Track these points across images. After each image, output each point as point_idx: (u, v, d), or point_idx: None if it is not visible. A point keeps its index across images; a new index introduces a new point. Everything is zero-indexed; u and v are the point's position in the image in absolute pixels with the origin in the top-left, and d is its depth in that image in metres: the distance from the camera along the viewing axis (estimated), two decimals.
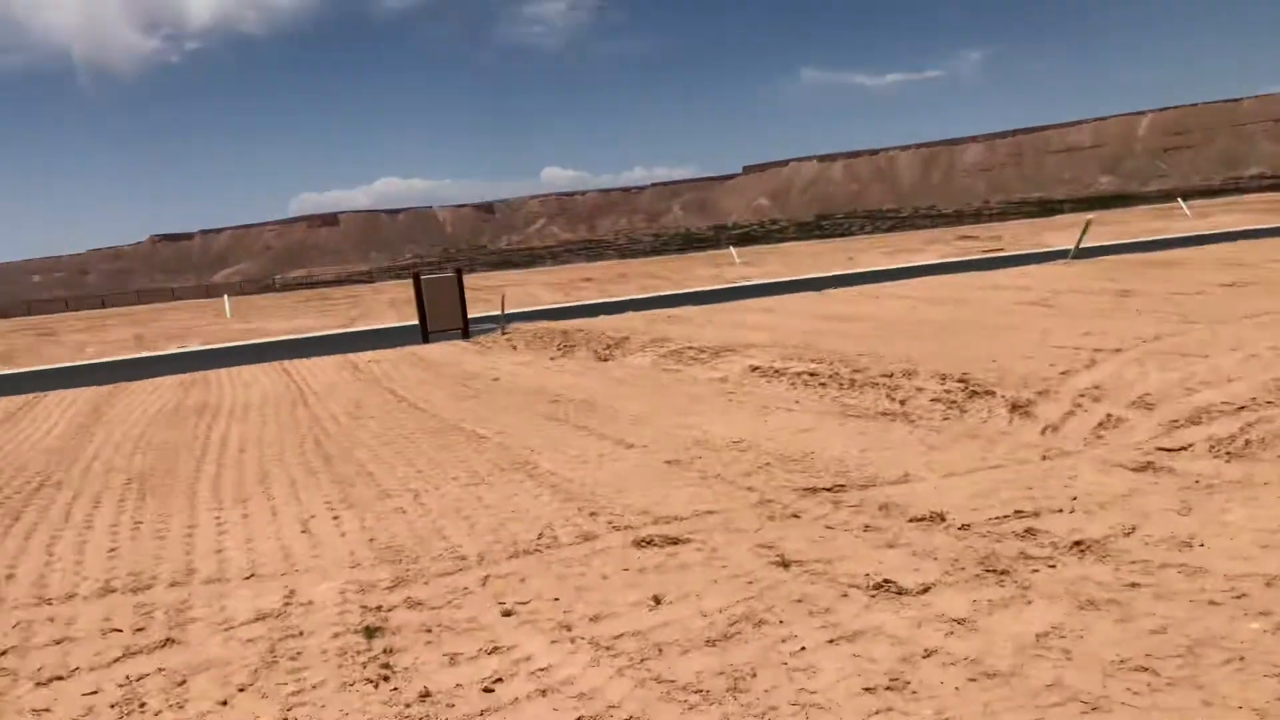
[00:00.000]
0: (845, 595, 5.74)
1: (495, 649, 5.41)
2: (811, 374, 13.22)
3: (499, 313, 25.92)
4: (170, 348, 34.54)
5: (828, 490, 7.98)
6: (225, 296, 57.79)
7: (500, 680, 5.03)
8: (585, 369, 16.62)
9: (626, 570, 6.48)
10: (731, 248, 68.02)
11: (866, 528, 6.93)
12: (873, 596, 5.69)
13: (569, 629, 5.60)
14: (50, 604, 6.87)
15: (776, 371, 13.81)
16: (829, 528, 7.03)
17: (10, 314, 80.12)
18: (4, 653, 6.00)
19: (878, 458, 8.88)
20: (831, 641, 5.17)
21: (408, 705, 4.82)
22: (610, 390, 14.08)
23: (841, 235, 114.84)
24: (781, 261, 52.02)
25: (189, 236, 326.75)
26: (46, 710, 5.15)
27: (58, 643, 6.11)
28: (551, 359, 18.43)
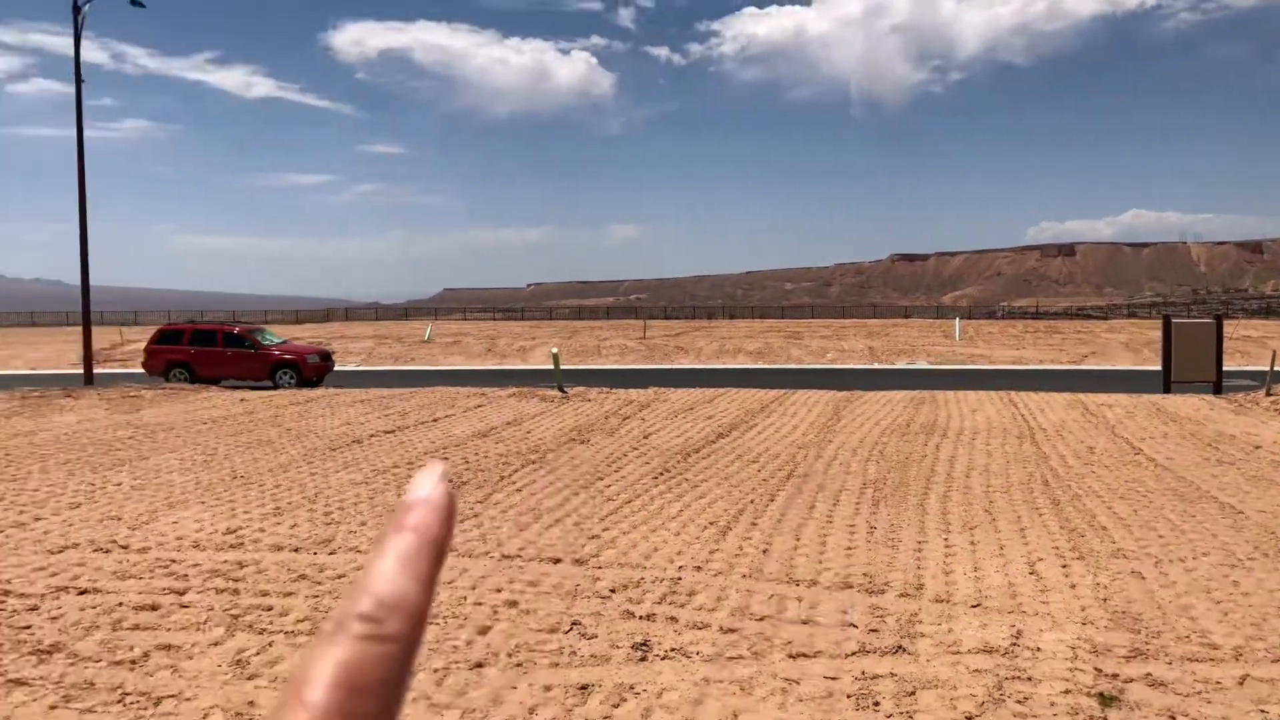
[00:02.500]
0: None
1: None
2: None
3: (1267, 369, 22.63)
4: (899, 362, 36.69)
5: None
6: (956, 319, 59.52)
7: None
8: None
9: None
10: None
11: None
12: None
13: None
14: (797, 585, 7.74)
15: None
16: None
17: (767, 316, 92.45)
18: (762, 619, 6.92)
19: None
20: None
21: None
22: None
23: None
24: None
25: (924, 258, 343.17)
26: (794, 682, 5.80)
27: (804, 623, 6.86)
28: None
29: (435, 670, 5.96)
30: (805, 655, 6.21)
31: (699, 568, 8.16)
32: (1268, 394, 20.44)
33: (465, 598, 7.37)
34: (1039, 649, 6.22)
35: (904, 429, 16.31)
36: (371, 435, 15.93)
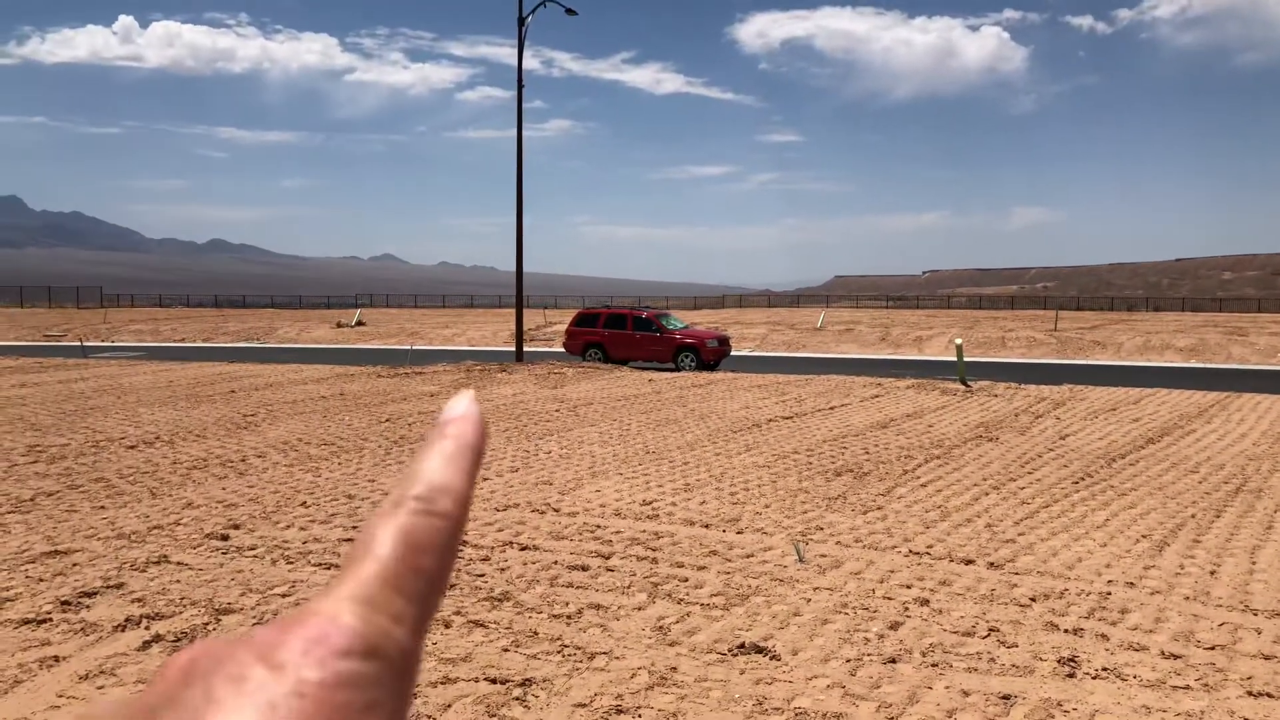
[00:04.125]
0: None
1: None
2: None
3: None
4: None
5: None
6: None
7: None
8: None
9: None
10: None
11: None
12: None
13: None
14: (1255, 615, 6.82)
15: None
16: None
17: (1200, 309, 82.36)
18: (1213, 648, 6.16)
19: None
20: None
21: None
22: None
23: None
24: None
25: None
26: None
27: (1265, 658, 6.02)
28: None
29: (847, 660, 5.96)
30: (1270, 695, 5.45)
31: (1131, 584, 7.45)
32: None
33: (874, 590, 7.30)
34: None
35: None
36: (769, 420, 16.28)
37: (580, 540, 8.67)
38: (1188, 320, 56.30)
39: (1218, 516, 9.64)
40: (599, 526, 9.12)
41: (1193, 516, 9.63)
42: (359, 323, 56.83)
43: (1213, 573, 7.74)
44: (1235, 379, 26.16)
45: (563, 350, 30.67)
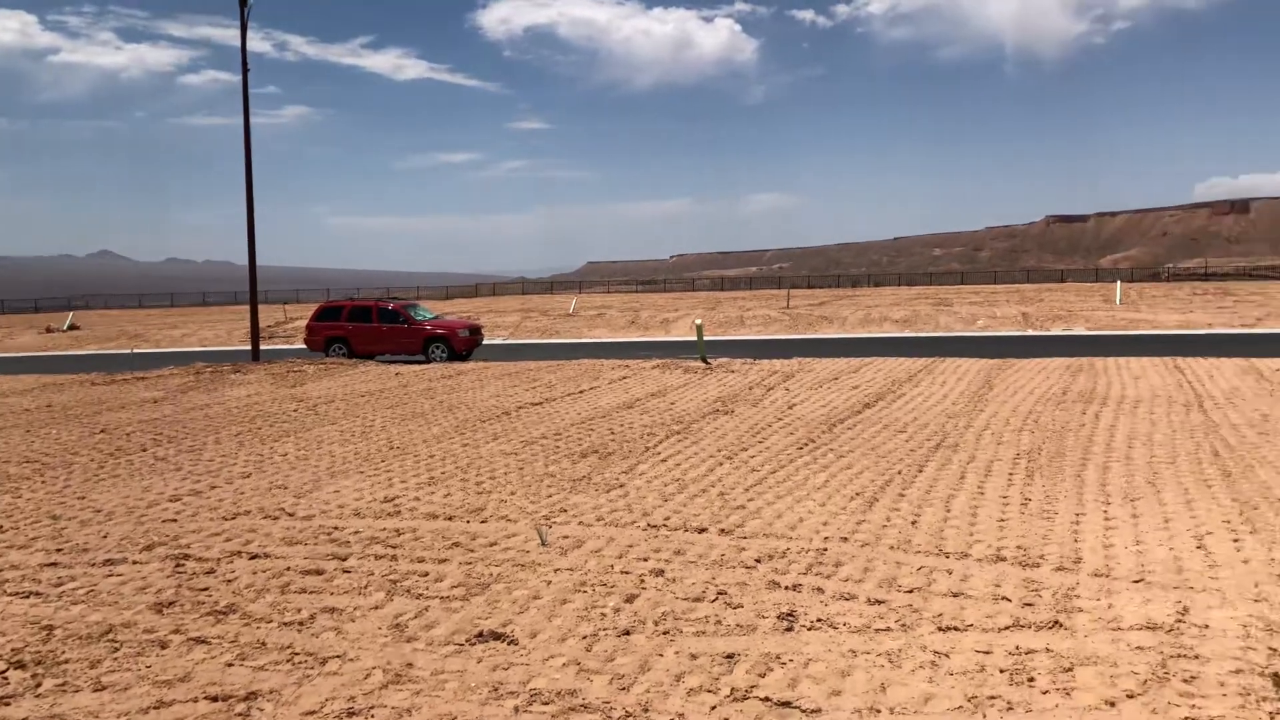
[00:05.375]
0: None
1: None
2: None
3: None
4: (1055, 328, 35.17)
5: None
6: (1118, 283, 56.60)
7: None
8: None
9: None
10: None
11: None
12: None
13: None
14: (947, 557, 7.58)
15: None
16: None
17: (914, 283, 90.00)
18: (911, 591, 6.81)
19: None
20: None
21: None
22: None
23: None
24: None
25: (1083, 219, 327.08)
26: (944, 655, 5.69)
27: (954, 595, 6.71)
28: None
29: (584, 637, 6.12)
30: (956, 629, 6.09)
31: (845, 539, 8.09)
32: None
33: (613, 566, 7.52)
34: (1207, 626, 5.91)
35: (1060, 397, 15.67)
36: (519, 407, 16.36)
37: (315, 544, 8.39)
38: (903, 294, 61.40)
39: (920, 471, 10.62)
40: (336, 528, 8.86)
41: (899, 473, 10.55)
42: (72, 326, 52.03)
43: (914, 523, 8.52)
44: (942, 345, 28.80)
45: (304, 347, 29.41)
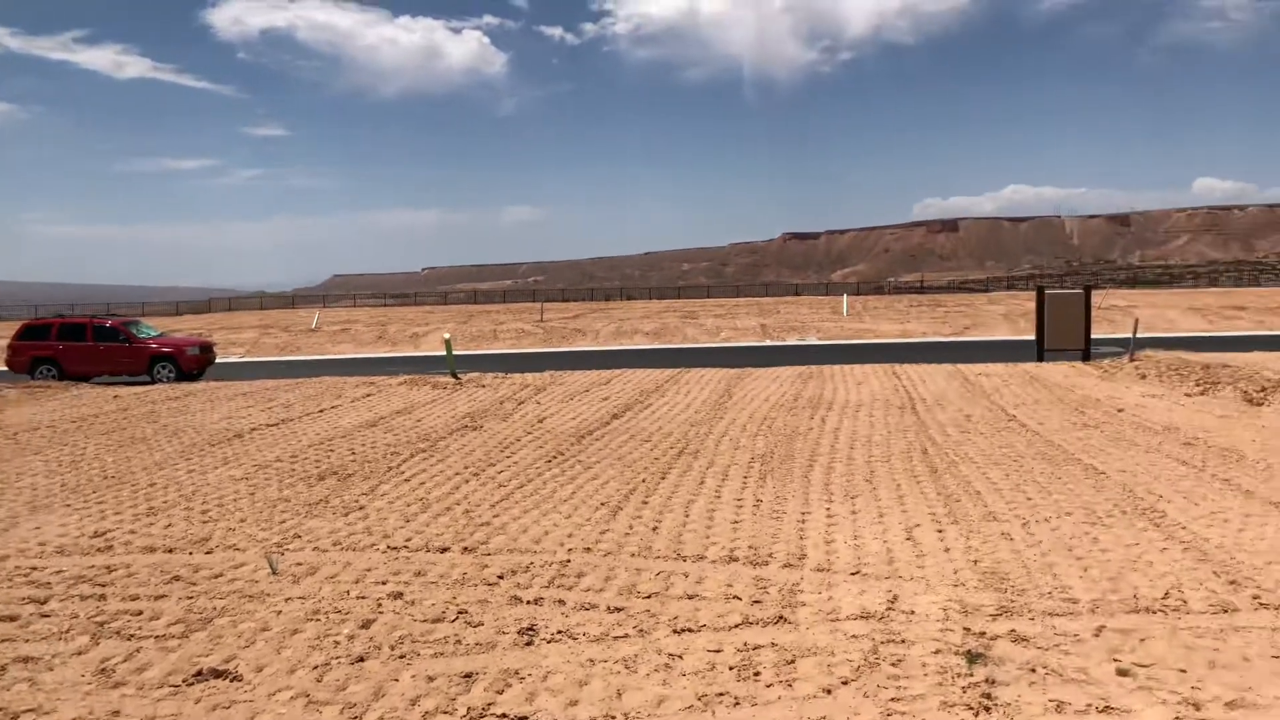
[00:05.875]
0: None
1: (1108, 708, 4.98)
2: None
3: (1130, 336, 23.78)
4: (790, 339, 37.36)
5: None
6: (844, 296, 60.86)
7: None
8: (1231, 411, 14.56)
9: (1276, 658, 5.55)
10: None
11: None
12: None
13: (1198, 708, 4.96)
14: (684, 560, 7.83)
15: None
16: None
17: (664, 296, 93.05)
18: (649, 596, 6.97)
19: None
20: None
21: None
22: (1264, 440, 12.16)
23: None
24: None
25: (815, 236, 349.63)
26: (678, 656, 5.87)
27: (689, 598, 6.93)
28: (1187, 395, 16.45)
29: (315, 667, 5.84)
30: (690, 630, 6.29)
31: (588, 549, 8.18)
32: (1131, 359, 21.49)
33: (349, 591, 7.24)
34: (913, 612, 6.42)
35: (792, 404, 16.62)
36: (253, 429, 15.48)
37: (10, 587, 7.55)
38: (653, 307, 63.26)
39: (663, 478, 10.93)
40: (35, 569, 8.01)
41: (644, 481, 10.81)
42: None
43: (655, 529, 8.75)
44: (688, 356, 29.89)
45: (5, 369, 26.52)
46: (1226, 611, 6.32)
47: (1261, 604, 6.42)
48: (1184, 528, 8.28)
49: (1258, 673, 5.37)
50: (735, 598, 6.86)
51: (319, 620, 6.64)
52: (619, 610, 6.69)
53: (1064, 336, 23.36)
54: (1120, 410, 14.90)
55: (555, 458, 12.40)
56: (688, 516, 9.19)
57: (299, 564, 7.98)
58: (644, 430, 14.38)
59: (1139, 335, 23.98)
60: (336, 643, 6.22)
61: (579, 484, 10.80)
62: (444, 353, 24.51)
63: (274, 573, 7.70)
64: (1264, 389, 15.88)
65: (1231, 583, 6.84)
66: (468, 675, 5.67)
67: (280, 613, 6.82)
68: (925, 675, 5.44)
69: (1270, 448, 11.67)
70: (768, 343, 36.34)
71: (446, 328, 43.51)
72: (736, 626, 6.31)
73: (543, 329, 44.27)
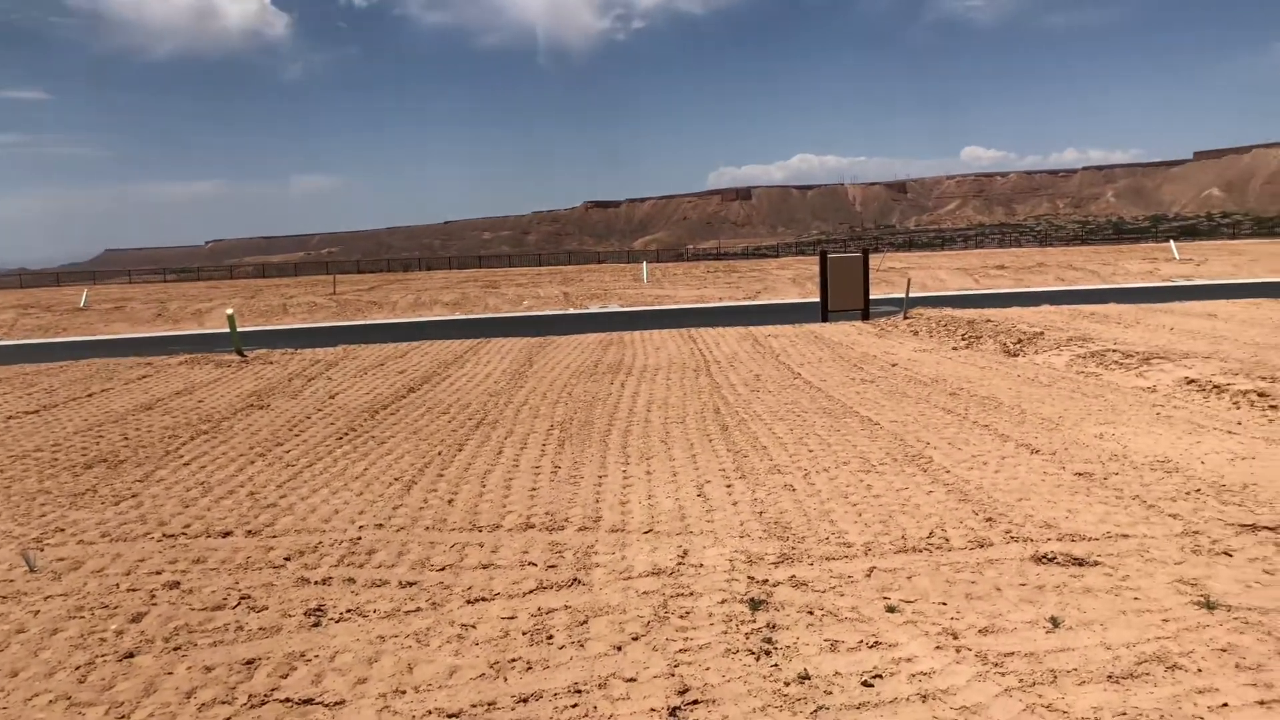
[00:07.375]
0: None
1: (876, 643, 5.33)
2: (1260, 394, 11.56)
3: (902, 296, 25.32)
4: (592, 306, 37.64)
5: (1270, 529, 6.96)
6: (644, 263, 61.80)
7: (880, 676, 4.96)
8: (991, 363, 15.79)
9: (1023, 585, 6.09)
10: (1171, 241, 61.20)
11: None
12: None
13: (955, 637, 5.38)
14: (480, 531, 7.79)
15: (1216, 387, 12.23)
16: (1268, 572, 6.13)
17: (465, 266, 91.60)
18: (443, 569, 6.90)
19: None
20: (1263, 704, 4.52)
21: (787, 684, 4.90)
22: (1018, 389, 13.26)
23: None
24: (1230, 261, 45.90)
25: (617, 204, 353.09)
26: (471, 626, 5.85)
27: (484, 567, 6.91)
28: (954, 349, 17.71)
29: (78, 667, 5.45)
30: (484, 599, 6.27)
31: (380, 525, 8.00)
32: (905, 318, 22.92)
33: (118, 585, 6.79)
34: (702, 565, 6.65)
35: (592, 370, 16.78)
36: (9, 418, 14.22)
37: None
38: (454, 277, 62.14)
39: (460, 450, 10.81)
40: None
41: (439, 454, 10.66)
42: None
43: (450, 501, 8.65)
44: (489, 326, 29.60)
45: None
46: (982, 546, 6.87)
47: (1012, 538, 7.02)
48: (948, 471, 8.93)
49: (1007, 600, 5.88)
50: (531, 564, 6.89)
51: (83, 617, 6.20)
52: (411, 585, 6.59)
53: (845, 298, 24.63)
54: (894, 365, 15.88)
55: (347, 434, 12.03)
56: (484, 486, 9.14)
57: (61, 559, 7.41)
58: (441, 403, 14.16)
59: (912, 295, 25.59)
60: (103, 640, 5.83)
61: (372, 460, 10.53)
62: (228, 330, 23.25)
63: (32, 570, 7.13)
64: (1020, 341, 17.30)
65: (988, 519, 7.44)
66: (249, 662, 5.45)
67: (38, 612, 6.32)
68: (711, 625, 5.65)
69: (1024, 395, 12.74)
70: (571, 310, 36.47)
71: (231, 303, 41.29)
72: (531, 592, 6.34)
73: (336, 302, 42.71)
